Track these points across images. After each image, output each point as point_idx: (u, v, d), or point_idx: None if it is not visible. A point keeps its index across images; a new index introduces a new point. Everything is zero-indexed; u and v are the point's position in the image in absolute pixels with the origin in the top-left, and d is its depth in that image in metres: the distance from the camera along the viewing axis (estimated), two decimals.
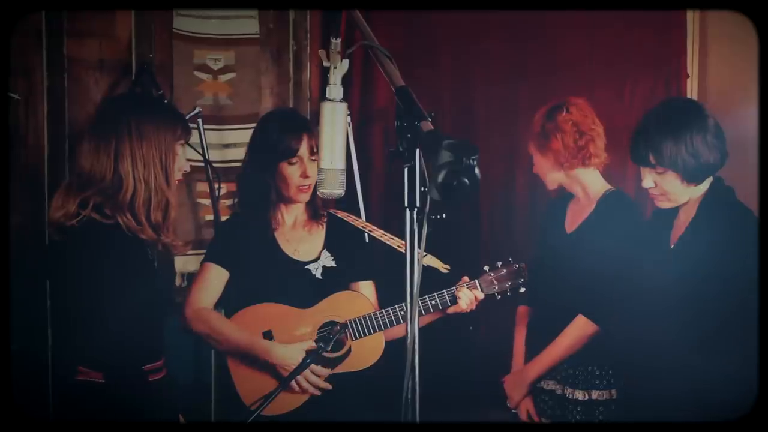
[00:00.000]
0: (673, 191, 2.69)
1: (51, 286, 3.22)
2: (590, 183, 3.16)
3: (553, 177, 3.16)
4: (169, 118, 2.73)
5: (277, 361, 2.87)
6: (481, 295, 2.97)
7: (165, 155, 2.65)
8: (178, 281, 4.02)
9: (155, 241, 2.65)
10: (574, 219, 3.19)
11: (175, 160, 2.69)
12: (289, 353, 2.87)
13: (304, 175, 2.95)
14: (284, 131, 2.97)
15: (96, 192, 2.60)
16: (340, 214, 3.16)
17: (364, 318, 2.93)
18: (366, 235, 3.14)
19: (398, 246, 3.03)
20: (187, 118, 3.81)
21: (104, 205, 2.59)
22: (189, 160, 3.94)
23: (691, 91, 3.79)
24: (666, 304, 2.65)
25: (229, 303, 3.03)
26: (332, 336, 2.81)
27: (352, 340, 2.94)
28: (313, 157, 2.95)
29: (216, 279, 2.99)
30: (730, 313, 2.53)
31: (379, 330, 2.93)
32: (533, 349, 3.19)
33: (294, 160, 2.95)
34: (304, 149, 2.94)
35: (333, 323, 2.93)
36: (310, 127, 3.00)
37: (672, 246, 2.74)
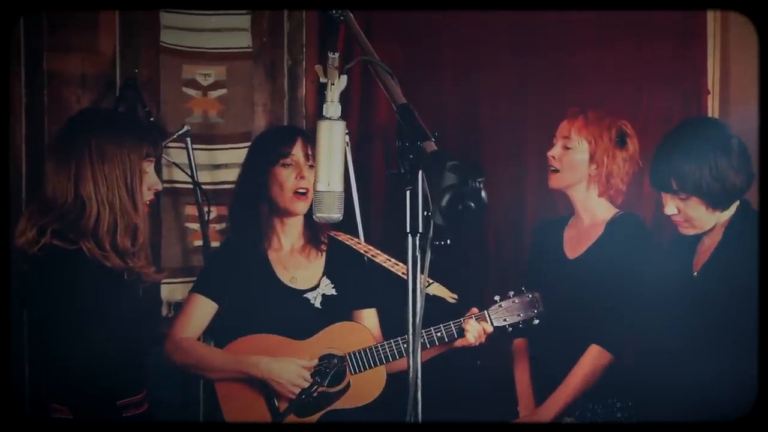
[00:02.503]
0: (698, 218, 2.68)
1: (27, 316, 3.21)
2: (597, 206, 3.17)
3: (575, 193, 3.16)
4: (135, 135, 2.69)
5: (270, 375, 2.86)
6: (490, 328, 2.94)
7: (130, 176, 2.62)
8: (164, 311, 4.01)
9: (123, 269, 2.63)
10: (576, 244, 3.18)
11: (143, 180, 2.66)
12: (281, 367, 2.87)
13: (300, 176, 2.98)
14: (277, 135, 3.08)
15: (56, 218, 2.58)
16: (342, 237, 3.16)
17: (365, 351, 2.92)
18: (366, 258, 3.13)
19: (402, 273, 3.02)
20: (175, 137, 3.85)
21: (65, 231, 2.58)
22: (177, 181, 4.03)
23: (712, 108, 3.78)
24: (688, 332, 2.65)
25: (221, 335, 3.03)
26: (329, 370, 2.81)
27: (352, 374, 2.92)
28: (310, 163, 2.99)
29: (201, 311, 3.01)
30: (741, 322, 2.55)
31: (381, 364, 2.92)
32: (541, 387, 3.16)
33: (288, 161, 2.98)
34: (299, 151, 2.99)
35: (331, 356, 2.93)
36: (308, 134, 3.06)
37: (695, 273, 2.73)
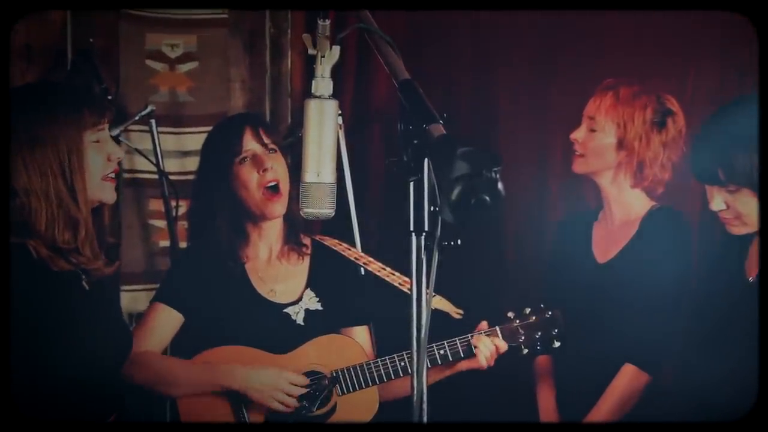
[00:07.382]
0: (750, 213, 2.67)
1: None
2: (631, 199, 3.18)
3: (603, 181, 3.18)
4: (70, 104, 2.63)
5: (248, 384, 2.87)
6: (504, 347, 2.94)
7: (67, 160, 2.58)
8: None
9: (72, 270, 2.62)
10: (606, 245, 3.20)
11: (85, 158, 2.60)
12: (262, 372, 2.89)
13: (263, 169, 2.98)
14: (222, 130, 3.10)
15: None
16: (328, 242, 3.16)
17: (355, 368, 2.94)
18: (361, 269, 3.13)
19: (400, 284, 3.03)
20: (137, 118, 3.85)
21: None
22: (139, 171, 4.03)
23: None
24: (739, 341, 2.66)
25: (186, 352, 3.03)
26: (319, 393, 2.84)
27: (339, 395, 2.94)
28: (271, 147, 3.02)
29: (164, 324, 3.03)
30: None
31: (373, 384, 2.94)
32: (568, 413, 3.18)
33: (244, 156, 3.00)
34: (250, 141, 3.01)
35: (316, 374, 2.94)
36: (258, 118, 3.12)
37: (751, 279, 2.74)
